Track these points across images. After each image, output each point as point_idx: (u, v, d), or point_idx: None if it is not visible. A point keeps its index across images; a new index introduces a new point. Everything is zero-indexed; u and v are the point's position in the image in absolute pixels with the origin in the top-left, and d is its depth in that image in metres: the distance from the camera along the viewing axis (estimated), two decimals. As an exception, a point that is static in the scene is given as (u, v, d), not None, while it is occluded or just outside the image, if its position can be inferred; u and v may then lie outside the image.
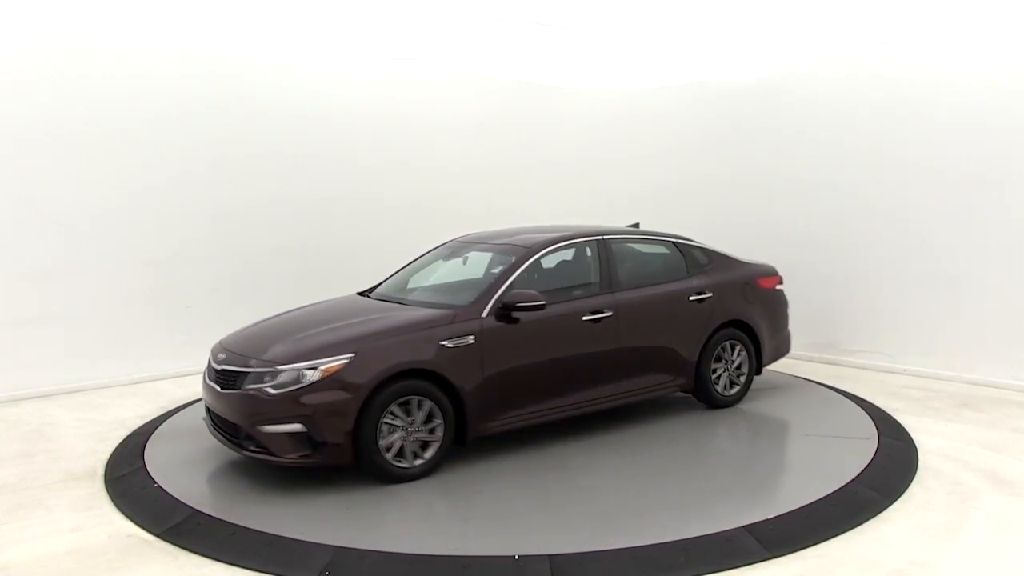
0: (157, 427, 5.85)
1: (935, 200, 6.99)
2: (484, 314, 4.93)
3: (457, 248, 6.05)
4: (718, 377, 6.01)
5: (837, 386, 6.70)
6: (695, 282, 5.93)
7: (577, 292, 5.52)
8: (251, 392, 4.48)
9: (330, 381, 4.39)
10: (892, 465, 4.80)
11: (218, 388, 4.71)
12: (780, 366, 6.91)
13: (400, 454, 4.60)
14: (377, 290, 5.87)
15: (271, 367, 4.48)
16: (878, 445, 5.12)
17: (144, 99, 7.37)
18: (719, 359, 6.01)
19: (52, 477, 4.89)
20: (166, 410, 6.36)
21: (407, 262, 6.27)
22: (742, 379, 6.15)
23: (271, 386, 4.42)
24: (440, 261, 6.02)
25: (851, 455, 4.93)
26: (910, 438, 5.34)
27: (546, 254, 5.49)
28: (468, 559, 3.64)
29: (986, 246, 6.71)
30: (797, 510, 4.10)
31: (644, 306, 5.62)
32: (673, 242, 6.09)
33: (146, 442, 5.47)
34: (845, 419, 5.80)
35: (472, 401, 4.80)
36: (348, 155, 8.56)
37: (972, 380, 6.77)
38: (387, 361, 4.51)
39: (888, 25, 7.26)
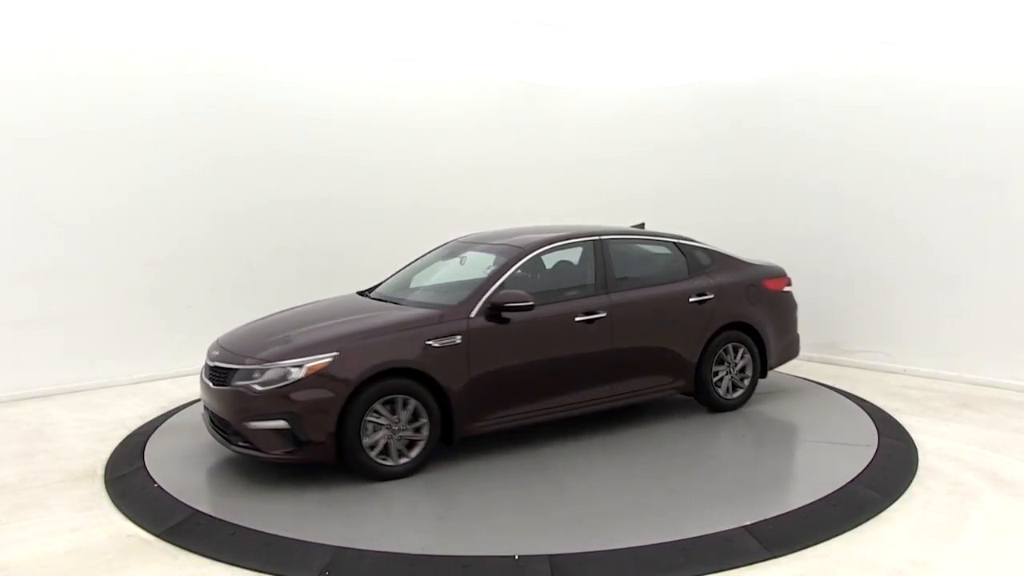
0: (157, 427, 5.85)
1: (935, 200, 6.99)
2: (472, 314, 4.94)
3: (457, 248, 6.05)
4: (720, 380, 5.93)
5: (837, 386, 6.70)
6: (696, 283, 5.85)
7: (571, 293, 5.50)
8: (239, 388, 4.56)
9: (314, 379, 4.46)
10: (892, 465, 4.80)
11: (211, 384, 4.80)
12: (780, 366, 6.85)
13: (385, 452, 4.64)
14: (377, 290, 5.88)
15: (259, 364, 4.58)
16: (878, 445, 5.12)
17: (144, 99, 7.37)
18: (721, 362, 5.93)
19: (52, 477, 4.89)
20: (166, 410, 6.36)
21: (408, 262, 6.27)
22: (746, 382, 6.05)
23: (258, 383, 4.51)
24: (440, 261, 6.03)
25: (851, 456, 4.93)
26: (910, 438, 5.34)
27: (540, 254, 5.48)
28: (468, 559, 3.64)
29: (986, 246, 6.71)
30: (797, 510, 4.10)
31: (640, 307, 5.57)
32: (675, 243, 6.02)
33: (146, 442, 5.47)
34: (845, 420, 5.80)
35: (459, 401, 4.82)
36: (348, 155, 8.56)
37: (972, 380, 6.77)
38: (370, 360, 4.56)
39: (888, 25, 7.26)
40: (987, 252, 6.71)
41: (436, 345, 4.77)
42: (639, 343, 5.56)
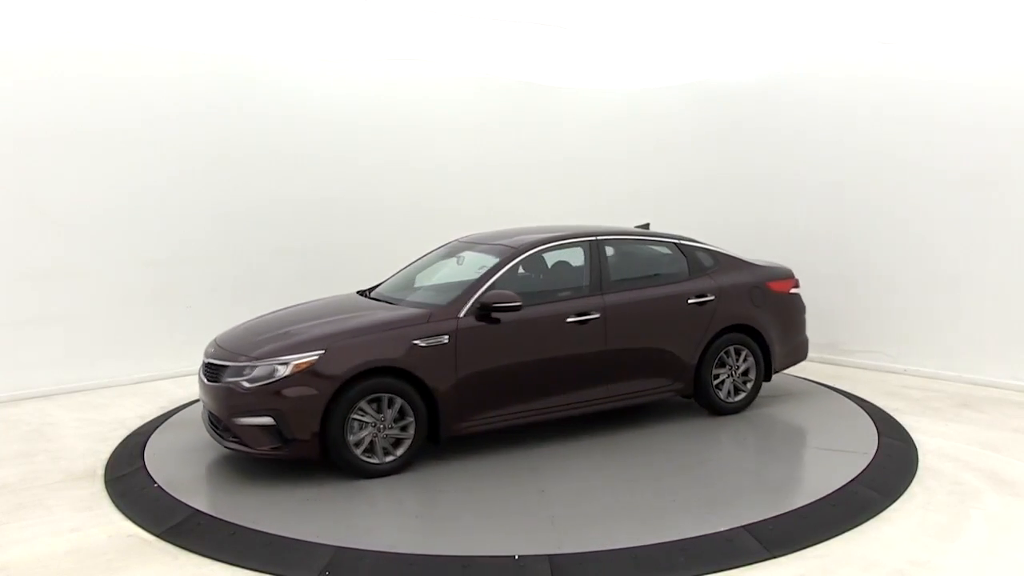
0: (157, 427, 5.85)
1: (935, 200, 7.00)
2: (461, 314, 4.96)
3: (457, 248, 6.05)
4: (721, 383, 5.84)
5: (837, 386, 6.70)
6: (695, 284, 5.78)
7: (565, 293, 5.48)
8: (230, 384, 4.65)
9: (300, 376, 4.53)
10: (892, 465, 4.80)
11: (205, 381, 4.90)
12: (787, 369, 6.68)
13: (371, 450, 4.69)
14: (376, 290, 5.88)
15: (248, 361, 4.67)
16: (878, 445, 5.12)
17: (144, 99, 7.37)
18: (723, 365, 5.84)
19: (52, 477, 4.89)
20: (166, 410, 6.36)
21: (410, 262, 6.28)
22: (748, 386, 5.95)
23: (246, 380, 4.60)
24: (441, 261, 6.03)
25: (851, 456, 4.93)
26: (910, 438, 5.35)
27: (533, 255, 5.48)
28: (468, 559, 3.64)
29: (986, 246, 6.72)
30: (797, 510, 4.10)
31: (636, 308, 5.51)
32: (676, 243, 5.95)
33: (146, 442, 5.47)
34: (845, 420, 5.80)
35: (445, 400, 4.84)
36: (348, 155, 8.56)
37: (972, 380, 6.77)
38: (355, 359, 4.61)
39: (888, 25, 7.26)
40: (987, 252, 6.71)
41: (423, 345, 4.79)
42: (634, 345, 5.50)
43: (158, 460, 5.09)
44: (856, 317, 7.59)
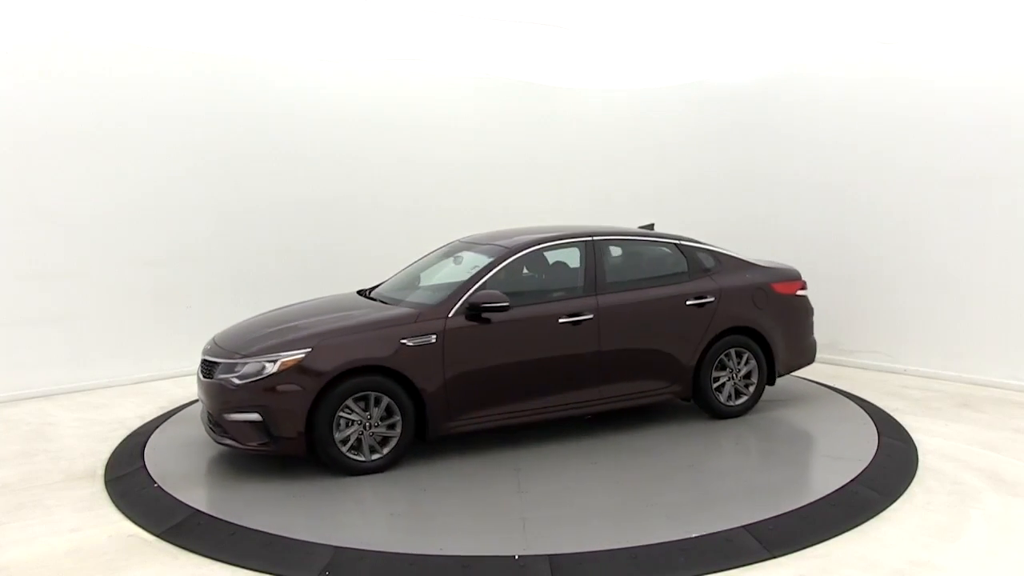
0: (157, 427, 5.85)
1: (935, 200, 7.00)
2: (450, 314, 4.97)
3: (457, 249, 6.06)
4: (721, 386, 5.76)
5: (837, 386, 6.70)
6: (695, 286, 5.70)
7: (558, 294, 5.47)
8: (221, 381, 4.75)
9: (287, 374, 4.60)
10: (892, 465, 4.80)
11: (201, 377, 4.97)
12: (791, 373, 6.59)
13: (358, 448, 4.73)
14: (376, 290, 5.89)
15: (239, 358, 4.75)
16: (878, 445, 5.12)
17: (144, 99, 7.37)
18: (723, 367, 5.75)
19: (52, 477, 4.89)
20: (166, 410, 6.36)
21: (411, 262, 6.28)
22: (750, 389, 5.85)
23: (237, 376, 4.69)
24: (442, 262, 6.03)
25: (851, 455, 4.93)
26: (910, 438, 5.35)
27: (527, 255, 5.48)
28: (468, 559, 3.64)
29: (986, 246, 6.72)
30: (797, 510, 4.10)
31: (631, 310, 5.45)
32: (676, 244, 5.88)
33: (146, 442, 5.47)
34: (845, 420, 5.80)
35: (433, 400, 4.86)
36: (348, 155, 8.56)
37: (972, 380, 6.77)
38: (342, 357, 4.67)
39: (889, 25, 7.26)
40: (987, 252, 6.71)
41: (410, 344, 4.82)
42: (629, 346, 5.43)
43: (158, 460, 5.09)
44: (856, 317, 7.59)
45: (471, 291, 5.06)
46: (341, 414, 4.66)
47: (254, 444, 4.68)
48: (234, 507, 4.30)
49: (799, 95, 8.06)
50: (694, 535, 3.80)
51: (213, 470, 4.98)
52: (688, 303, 5.64)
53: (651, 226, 6.44)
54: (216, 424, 4.83)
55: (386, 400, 4.76)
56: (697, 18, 8.81)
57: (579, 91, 9.82)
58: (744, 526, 3.89)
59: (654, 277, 5.78)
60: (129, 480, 4.78)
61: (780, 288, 6.01)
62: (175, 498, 4.42)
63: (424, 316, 4.96)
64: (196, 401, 6.16)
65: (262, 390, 4.60)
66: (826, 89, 7.79)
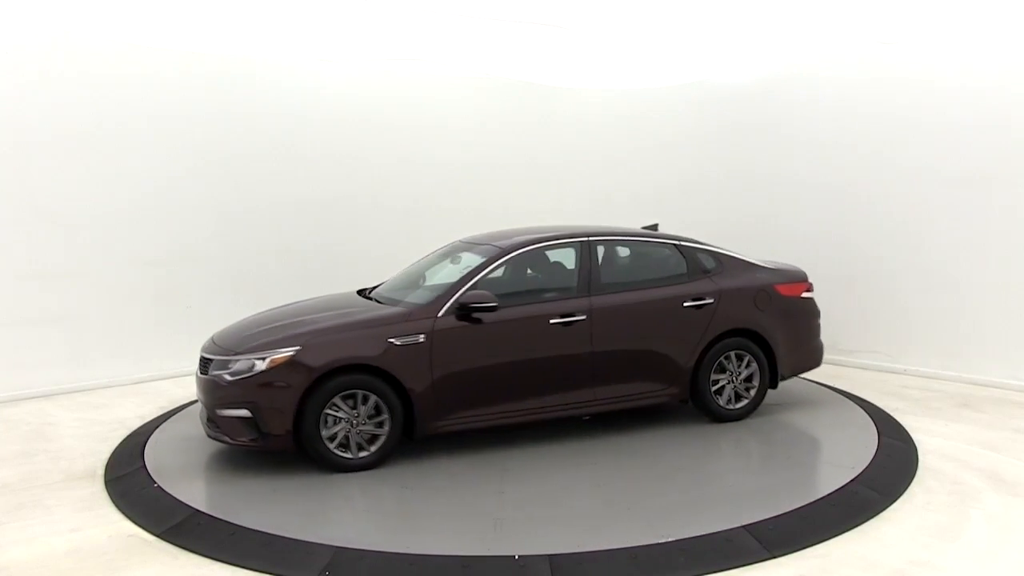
0: (157, 427, 5.85)
1: (935, 200, 7.00)
2: (440, 314, 5.00)
3: (458, 249, 6.06)
4: (720, 389, 5.67)
5: (837, 386, 6.70)
6: (693, 287, 5.62)
7: (551, 294, 5.45)
8: (214, 377, 4.86)
9: (275, 371, 4.69)
10: (892, 465, 4.80)
11: (198, 374, 5.07)
12: (795, 376, 6.45)
13: (346, 445, 4.78)
14: (376, 290, 5.89)
15: (231, 355, 4.86)
16: (878, 445, 5.12)
17: (144, 99, 7.37)
18: (723, 370, 5.66)
19: (52, 477, 4.89)
20: (166, 410, 6.36)
21: (413, 262, 6.28)
22: (751, 392, 5.74)
23: (228, 373, 4.80)
24: (442, 262, 6.03)
25: (851, 456, 4.93)
26: (910, 438, 5.35)
27: (521, 256, 5.47)
28: (468, 559, 3.64)
29: (986, 246, 6.72)
30: (797, 510, 4.10)
31: (625, 311, 5.39)
32: (676, 245, 5.81)
33: (146, 442, 5.47)
34: (845, 420, 5.80)
35: (421, 398, 4.88)
36: (348, 155, 8.56)
37: (972, 380, 6.77)
38: (329, 355, 4.73)
39: (889, 25, 7.26)
40: (987, 252, 6.71)
41: (398, 343, 4.85)
42: (622, 348, 5.38)
43: (158, 460, 5.09)
44: (856, 317, 7.59)
45: (461, 291, 5.08)
46: (328, 411, 4.73)
47: (245, 440, 4.78)
48: (234, 507, 4.30)
49: (799, 95, 8.06)
50: (694, 535, 3.79)
51: (213, 470, 4.99)
52: (685, 304, 5.57)
53: (655, 226, 6.38)
54: (210, 419, 4.94)
55: (374, 398, 4.80)
56: (697, 18, 8.81)
57: (579, 91, 9.82)
58: (744, 526, 3.89)
59: (651, 278, 5.73)
60: (129, 480, 4.78)
61: (784, 290, 5.90)
62: (175, 498, 4.42)
63: (413, 316, 4.99)
64: (196, 401, 6.16)
65: (252, 387, 4.70)
66: (826, 89, 7.79)
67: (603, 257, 5.63)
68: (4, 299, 6.77)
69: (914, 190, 7.14)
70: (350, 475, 4.74)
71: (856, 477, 4.55)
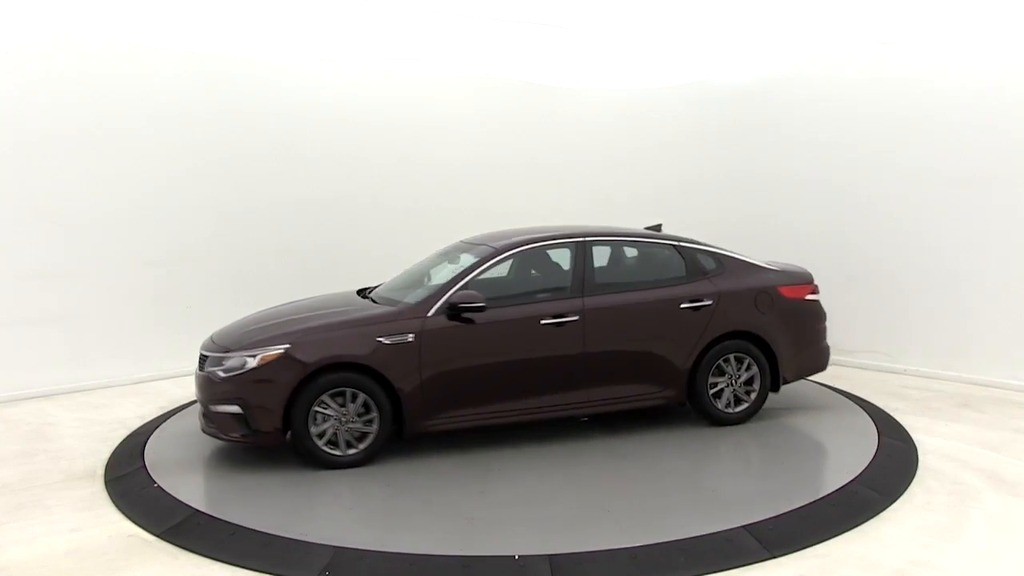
0: (157, 427, 5.85)
1: (935, 200, 7.00)
2: (430, 313, 5.03)
3: (458, 249, 6.05)
4: (719, 392, 5.58)
5: (837, 386, 6.70)
6: (691, 288, 5.55)
7: (544, 295, 5.45)
8: (209, 374, 4.95)
9: (265, 369, 4.78)
10: (892, 465, 4.80)
11: (197, 370, 5.15)
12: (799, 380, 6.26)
13: (334, 443, 4.85)
14: (375, 290, 5.89)
15: (225, 352, 4.95)
16: (878, 445, 5.12)
17: (143, 99, 7.37)
18: (722, 373, 5.57)
19: (52, 477, 4.89)
20: (166, 410, 6.36)
21: (414, 263, 6.28)
22: (752, 396, 5.64)
23: (222, 369, 4.89)
24: (443, 263, 6.03)
25: (851, 456, 4.93)
26: (910, 438, 5.35)
27: (515, 256, 5.48)
28: (468, 559, 3.64)
29: (986, 246, 6.72)
30: (797, 510, 4.10)
31: (618, 312, 5.35)
32: (675, 245, 5.74)
33: (146, 442, 5.47)
34: (845, 420, 5.80)
35: (410, 398, 4.91)
36: (348, 155, 8.56)
37: (972, 380, 6.77)
38: (317, 353, 4.80)
39: (889, 25, 7.26)
40: (987, 252, 6.71)
41: (387, 342, 4.88)
42: (616, 349, 5.33)
43: (158, 460, 5.09)
44: (856, 317, 7.58)
45: (451, 291, 5.10)
46: (317, 409, 4.79)
47: (236, 436, 4.87)
48: (234, 507, 4.30)
49: (799, 95, 8.05)
50: (694, 535, 3.79)
51: (213, 470, 4.99)
52: (682, 306, 5.50)
53: (659, 227, 6.31)
54: (204, 415, 5.04)
55: (362, 396, 4.85)
56: (697, 18, 8.81)
57: (579, 91, 9.82)
58: (744, 526, 3.89)
59: (647, 279, 5.70)
60: (129, 480, 4.78)
61: (787, 292, 5.79)
62: (175, 498, 4.42)
63: (403, 315, 5.03)
64: (196, 400, 6.16)
65: (243, 383, 4.79)
66: (826, 89, 7.79)
67: (598, 258, 5.59)
68: (4, 299, 6.77)
69: (914, 190, 7.14)
70: (345, 473, 4.77)
71: (856, 477, 4.55)
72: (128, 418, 6.16)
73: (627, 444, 5.28)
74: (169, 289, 7.58)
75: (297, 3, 8.05)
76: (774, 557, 3.63)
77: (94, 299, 7.19)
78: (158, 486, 4.62)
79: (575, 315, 5.24)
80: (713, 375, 5.56)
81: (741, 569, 3.53)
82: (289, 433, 4.84)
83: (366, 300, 5.58)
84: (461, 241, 6.17)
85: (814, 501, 4.21)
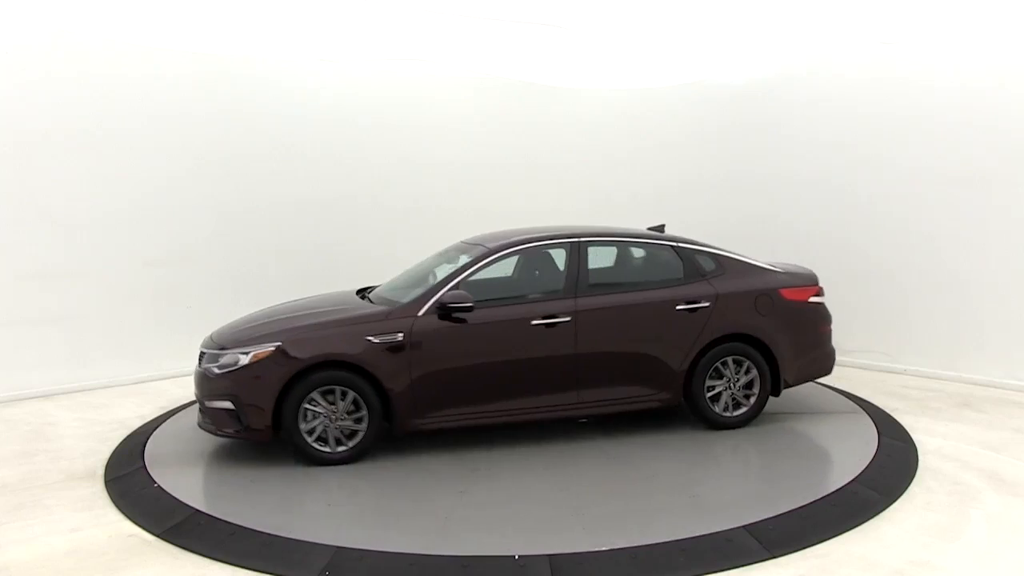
0: (157, 427, 5.86)
1: (935, 200, 7.00)
2: (420, 313, 5.06)
3: (457, 249, 6.05)
4: (717, 396, 5.50)
5: (837, 386, 6.70)
6: (688, 290, 5.47)
7: (536, 295, 5.46)
8: (205, 370, 5.08)
9: (256, 366, 4.87)
10: (892, 465, 4.80)
11: (196, 366, 5.25)
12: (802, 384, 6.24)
13: (324, 439, 4.93)
14: (375, 291, 5.89)
15: (221, 349, 5.06)
16: (878, 445, 5.12)
17: (144, 99, 7.37)
18: (720, 376, 5.50)
19: (52, 477, 4.89)
20: (166, 410, 6.36)
21: (416, 263, 6.28)
22: (751, 400, 5.56)
23: (216, 366, 5.00)
24: (443, 263, 6.02)
25: (851, 456, 4.93)
26: (910, 438, 5.35)
27: (509, 256, 5.48)
28: (468, 559, 3.64)
29: (986, 246, 6.72)
30: (797, 510, 4.10)
31: (611, 313, 5.30)
32: (673, 246, 5.67)
33: (146, 442, 5.48)
34: (845, 420, 5.80)
35: (399, 396, 4.96)
36: (348, 155, 8.56)
37: (972, 380, 6.77)
38: (307, 351, 4.89)
39: (890, 25, 7.26)
40: (987, 252, 6.72)
41: (376, 341, 4.92)
42: (608, 351, 5.28)
43: (158, 460, 5.09)
44: (856, 317, 7.58)
45: (442, 291, 5.13)
46: (307, 406, 4.87)
47: (230, 431, 4.98)
48: (234, 507, 4.30)
49: (799, 95, 8.06)
50: (694, 535, 3.79)
51: (213, 470, 4.99)
52: (678, 308, 5.42)
53: (662, 227, 6.25)
54: (201, 410, 5.17)
55: (352, 394, 4.92)
56: (697, 18, 8.81)
57: (579, 91, 9.82)
58: (744, 526, 3.89)
59: (643, 280, 5.67)
60: (129, 480, 4.78)
61: (789, 294, 5.66)
62: (175, 498, 4.42)
63: (393, 315, 5.07)
64: (196, 401, 6.17)
65: (235, 380, 4.89)
66: (826, 89, 7.79)
67: (593, 259, 5.53)
68: (4, 299, 6.77)
69: (914, 190, 7.15)
70: (345, 473, 4.80)
71: (856, 477, 4.55)
72: (128, 418, 6.16)
73: (620, 447, 5.24)
74: (169, 289, 7.58)
75: (297, 3, 8.05)
76: (774, 557, 3.63)
77: (94, 299, 7.19)
78: (158, 486, 4.62)
79: (567, 316, 5.22)
80: (711, 378, 5.49)
81: (741, 569, 3.53)
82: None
83: (362, 300, 5.61)
84: (461, 241, 6.18)
85: (814, 501, 4.20)
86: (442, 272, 5.82)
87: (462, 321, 5.07)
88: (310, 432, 4.89)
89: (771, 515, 4.01)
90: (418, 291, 5.29)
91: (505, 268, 5.59)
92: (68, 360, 7.06)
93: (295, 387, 4.84)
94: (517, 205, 9.26)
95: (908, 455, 5.00)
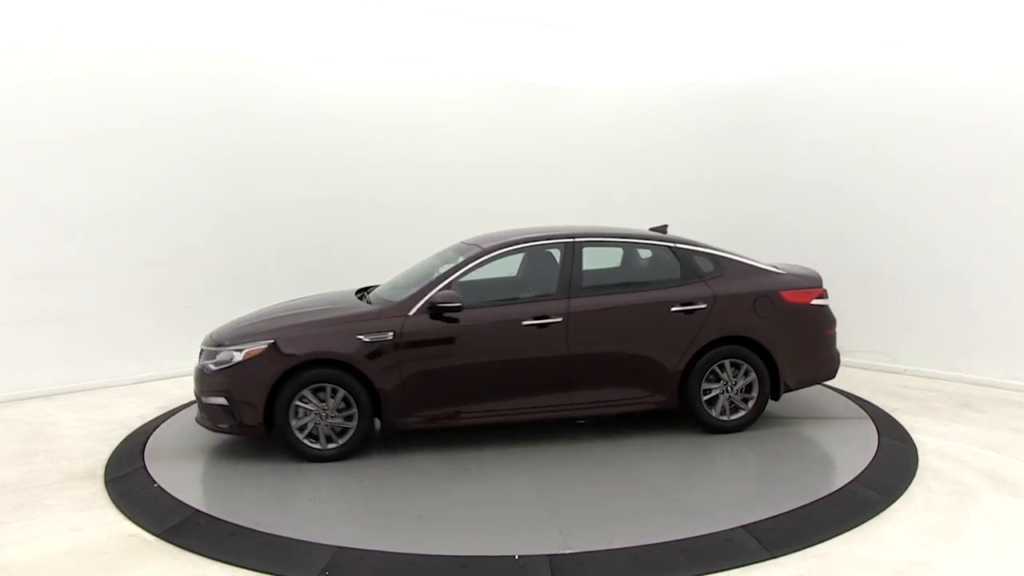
0: (157, 427, 5.86)
1: (935, 200, 7.00)
2: (411, 312, 5.09)
3: (457, 250, 6.04)
4: (713, 399, 5.40)
5: (837, 386, 6.70)
6: (685, 291, 5.38)
7: (529, 296, 5.46)
8: (202, 367, 5.18)
9: (249, 363, 4.96)
10: (892, 465, 4.80)
11: (196, 363, 5.33)
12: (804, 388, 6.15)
13: (315, 436, 5.00)
14: (374, 291, 5.89)
15: (217, 347, 5.15)
16: (878, 445, 5.12)
17: (144, 99, 7.37)
18: (718, 379, 5.40)
19: (52, 477, 4.89)
20: (166, 410, 6.36)
21: (417, 263, 6.28)
22: (749, 403, 5.45)
23: (213, 363, 5.09)
24: (443, 263, 6.01)
25: (851, 456, 4.93)
26: (910, 438, 5.35)
27: (503, 256, 5.46)
28: (468, 559, 3.64)
29: (986, 246, 6.72)
30: (797, 510, 4.10)
31: (604, 315, 5.24)
32: (671, 247, 5.59)
33: (146, 442, 5.48)
34: (845, 420, 5.80)
35: (389, 395, 4.99)
36: (348, 155, 8.56)
37: (972, 380, 6.77)
38: (298, 349, 4.96)
39: (890, 25, 7.26)
40: (988, 252, 6.72)
41: (367, 340, 4.97)
42: (601, 352, 5.23)
43: (158, 460, 5.09)
44: (856, 317, 7.57)
45: (433, 291, 5.14)
46: (298, 403, 4.94)
47: (224, 426, 5.07)
48: (234, 507, 4.30)
49: (799, 95, 8.06)
50: (694, 535, 3.79)
51: (213, 470, 4.99)
52: (673, 309, 5.34)
53: (664, 227, 6.20)
54: (198, 406, 5.26)
55: (342, 392, 4.97)
56: (697, 18, 8.82)
57: (579, 91, 9.82)
58: (744, 526, 3.89)
59: (638, 281, 5.63)
60: (129, 480, 4.78)
61: (790, 296, 5.53)
62: (175, 498, 4.43)
63: (384, 314, 5.10)
64: (196, 401, 6.17)
65: (229, 376, 4.98)
66: (826, 89, 7.79)
67: (589, 259, 5.48)
68: (4, 299, 6.77)
69: (914, 190, 7.15)
70: (346, 472, 4.82)
71: (856, 477, 4.55)
72: (128, 418, 6.16)
73: (613, 448, 5.19)
74: (169, 289, 7.58)
75: (297, 3, 8.05)
76: (774, 557, 3.63)
77: (94, 299, 7.19)
78: (158, 486, 4.62)
79: (559, 317, 5.19)
80: (708, 381, 5.39)
81: (741, 569, 3.53)
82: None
83: (359, 300, 5.63)
84: (461, 242, 6.17)
85: (814, 501, 4.20)
86: (441, 272, 5.83)
87: (454, 321, 5.08)
88: (301, 429, 4.96)
89: (771, 515, 4.01)
90: (410, 291, 5.30)
91: (502, 268, 5.59)
92: (68, 360, 7.06)
93: (286, 384, 4.91)
94: (517, 205, 9.26)
95: (908, 455, 5.00)
